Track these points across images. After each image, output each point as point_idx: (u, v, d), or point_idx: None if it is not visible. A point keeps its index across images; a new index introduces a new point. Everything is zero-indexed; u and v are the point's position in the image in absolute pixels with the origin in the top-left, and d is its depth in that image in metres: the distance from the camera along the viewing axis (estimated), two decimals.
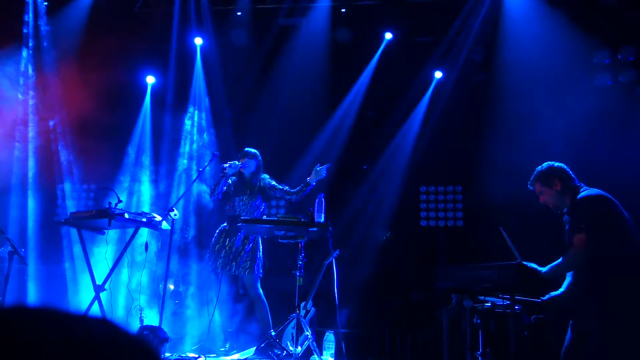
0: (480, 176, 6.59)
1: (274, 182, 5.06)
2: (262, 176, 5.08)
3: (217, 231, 4.99)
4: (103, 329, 0.69)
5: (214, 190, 4.88)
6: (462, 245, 6.41)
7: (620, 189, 3.74)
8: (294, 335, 4.51)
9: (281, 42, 7.10)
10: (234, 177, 5.02)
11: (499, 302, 3.60)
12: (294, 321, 4.51)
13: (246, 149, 5.08)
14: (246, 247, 4.84)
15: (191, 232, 6.30)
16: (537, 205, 3.74)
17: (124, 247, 4.66)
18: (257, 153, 5.08)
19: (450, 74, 7.00)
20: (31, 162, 6.71)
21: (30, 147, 6.75)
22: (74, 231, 5.10)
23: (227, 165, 4.83)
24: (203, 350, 4.63)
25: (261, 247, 4.93)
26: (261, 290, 4.88)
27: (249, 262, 4.80)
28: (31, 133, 6.77)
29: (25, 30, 6.85)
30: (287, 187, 5.04)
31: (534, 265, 3.45)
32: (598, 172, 4.88)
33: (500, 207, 6.12)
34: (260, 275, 4.89)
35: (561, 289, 3.35)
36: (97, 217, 4.48)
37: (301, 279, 4.56)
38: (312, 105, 6.85)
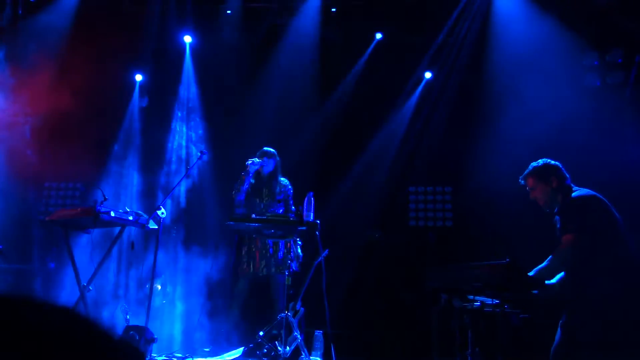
0: (470, 176, 6.60)
1: (290, 196, 5.03)
2: (284, 182, 5.06)
3: (237, 236, 4.94)
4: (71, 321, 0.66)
5: (239, 189, 4.85)
6: (451, 246, 6.41)
7: (609, 189, 3.75)
8: (283, 335, 4.47)
9: (271, 40, 7.07)
10: (250, 175, 4.98)
11: (488, 301, 3.59)
12: (283, 321, 4.47)
13: (265, 148, 5.07)
14: (277, 245, 4.80)
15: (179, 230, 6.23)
16: (526, 206, 3.74)
17: (110, 246, 4.59)
18: (276, 153, 5.08)
19: (439, 74, 7.01)
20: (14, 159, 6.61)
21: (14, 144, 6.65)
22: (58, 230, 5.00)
23: (250, 162, 4.80)
24: (191, 350, 4.57)
25: (298, 243, 4.88)
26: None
27: (286, 261, 4.76)
28: (14, 130, 6.66)
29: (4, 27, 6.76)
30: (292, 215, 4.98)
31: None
32: (588, 173, 4.91)
33: (489, 207, 6.13)
34: (293, 269, 4.85)
35: (554, 280, 3.34)
36: (82, 216, 4.41)
37: (289, 279, 4.52)
38: (301, 104, 6.83)
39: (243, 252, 4.87)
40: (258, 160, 4.87)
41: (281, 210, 4.97)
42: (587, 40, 6.17)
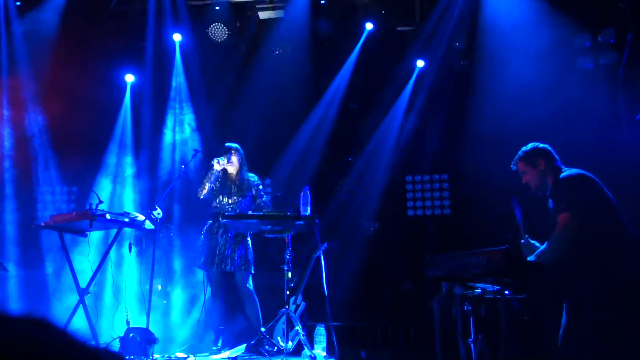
0: (466, 163, 6.59)
1: (260, 189, 5.02)
2: (250, 176, 5.03)
3: (205, 229, 4.92)
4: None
5: (204, 188, 4.83)
6: (450, 234, 6.40)
7: (603, 170, 3.74)
8: (285, 330, 4.47)
9: (261, 35, 7.02)
10: (218, 174, 4.97)
11: (489, 287, 3.59)
12: (284, 316, 4.46)
13: (227, 144, 5.03)
14: (237, 244, 4.79)
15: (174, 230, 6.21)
16: (524, 192, 3.73)
17: (107, 248, 4.57)
18: (239, 147, 5.03)
19: (432, 62, 6.98)
20: (7, 165, 6.57)
21: (6, 149, 6.60)
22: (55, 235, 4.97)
23: (215, 162, 4.78)
24: (192, 350, 4.56)
25: (250, 243, 4.90)
26: (252, 287, 4.85)
27: (241, 259, 4.76)
28: (6, 135, 6.62)
29: None
30: (267, 203, 4.98)
31: (537, 244, 3.48)
32: (582, 155, 4.89)
33: (487, 194, 6.12)
34: (252, 272, 4.86)
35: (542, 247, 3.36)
36: (78, 219, 4.38)
37: (289, 274, 4.51)
38: (294, 98, 6.79)
39: (207, 246, 4.83)
40: (223, 160, 4.84)
41: (246, 204, 4.93)
42: (579, 21, 6.14)
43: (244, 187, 4.94)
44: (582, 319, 3.20)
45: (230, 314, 5.11)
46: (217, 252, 4.76)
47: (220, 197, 4.90)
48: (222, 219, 4.56)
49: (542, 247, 3.41)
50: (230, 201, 4.88)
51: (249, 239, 4.89)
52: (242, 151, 5.03)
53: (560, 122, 5.73)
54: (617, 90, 6.04)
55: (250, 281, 4.86)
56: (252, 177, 5.06)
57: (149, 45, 7.08)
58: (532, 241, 3.58)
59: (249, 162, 5.10)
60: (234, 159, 4.93)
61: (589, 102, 5.87)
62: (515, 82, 6.14)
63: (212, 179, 4.82)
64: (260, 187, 5.07)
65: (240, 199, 4.90)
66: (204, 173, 5.04)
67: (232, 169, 4.95)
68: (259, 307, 4.81)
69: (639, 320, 3.12)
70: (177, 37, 7.12)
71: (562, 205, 3.31)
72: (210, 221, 4.90)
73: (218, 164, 4.78)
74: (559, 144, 4.04)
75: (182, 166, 5.01)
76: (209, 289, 4.78)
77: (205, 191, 4.83)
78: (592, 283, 3.15)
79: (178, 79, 7.14)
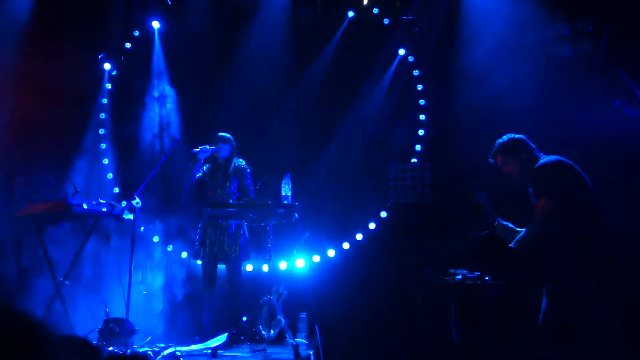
0: (447, 152, 6.61)
1: (248, 175, 5.01)
2: (239, 161, 5.03)
3: (201, 221, 4.90)
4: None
5: (188, 177, 4.80)
6: (432, 222, 6.42)
7: (581, 157, 3.78)
8: (267, 319, 4.45)
9: (241, 22, 6.93)
10: (208, 164, 4.95)
11: (469, 274, 3.62)
12: (266, 305, 4.44)
13: (219, 133, 5.02)
14: (235, 235, 4.76)
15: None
16: (505, 179, 3.75)
17: (85, 239, 4.49)
18: (231, 138, 5.04)
19: (412, 50, 6.97)
20: None
21: None
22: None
23: (198, 150, 4.75)
24: (173, 339, 4.52)
25: (248, 234, 4.93)
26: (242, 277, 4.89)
27: (235, 248, 4.75)
28: None
29: None
30: (251, 191, 4.97)
31: (510, 225, 3.50)
32: (561, 142, 4.94)
33: (468, 182, 6.14)
34: (246, 260, 4.91)
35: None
36: (53, 210, 4.29)
37: (271, 262, 4.49)
38: (274, 85, 6.72)
39: (201, 237, 4.84)
40: (209, 147, 4.82)
41: (236, 193, 4.92)
42: (557, 9, 6.17)
43: (232, 175, 4.97)
44: (561, 303, 3.24)
45: (214, 304, 5.08)
46: (214, 243, 4.76)
47: (214, 188, 4.94)
48: (204, 208, 4.53)
49: (522, 233, 3.43)
50: (219, 190, 4.91)
51: (245, 229, 4.91)
52: (234, 142, 5.05)
53: (539, 110, 5.77)
54: (595, 78, 6.09)
55: (241, 272, 4.90)
56: (241, 162, 5.05)
57: (126, 33, 6.96)
58: (504, 222, 3.58)
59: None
60: (225, 148, 4.96)
61: (567, 90, 5.92)
62: (496, 69, 6.16)
63: (194, 169, 4.77)
64: (248, 171, 5.07)
65: (228, 189, 4.92)
66: (184, 162, 5.01)
67: (221, 159, 4.97)
68: (239, 299, 4.84)
69: (616, 303, 3.17)
70: (155, 25, 7.00)
71: (541, 192, 3.34)
72: (206, 213, 4.88)
73: (202, 152, 4.76)
74: (538, 132, 4.07)
75: (162, 154, 4.96)
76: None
77: (188, 181, 4.81)
78: (572, 267, 3.19)
79: (158, 66, 7.02)
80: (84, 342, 1.07)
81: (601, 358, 3.06)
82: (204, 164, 4.95)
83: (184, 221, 5.79)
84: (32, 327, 0.65)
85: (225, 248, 4.78)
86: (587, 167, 3.51)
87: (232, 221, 4.80)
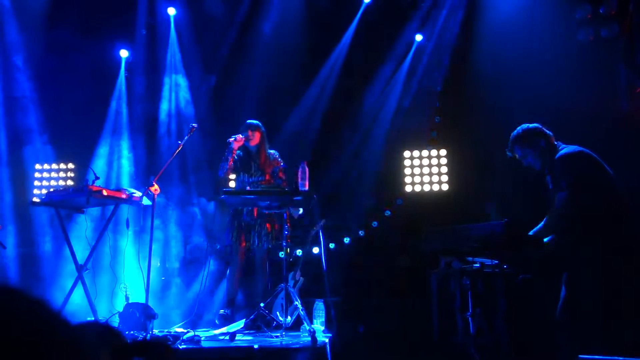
0: (464, 138, 6.56)
1: (282, 165, 4.95)
2: (272, 151, 4.99)
3: (231, 212, 4.90)
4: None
5: (222, 165, 4.81)
6: (448, 210, 6.40)
7: (603, 143, 3.72)
8: (284, 305, 4.48)
9: (257, 9, 6.90)
10: (239, 152, 4.91)
11: (488, 262, 3.59)
12: (283, 292, 4.47)
13: (248, 121, 4.93)
14: (267, 222, 4.78)
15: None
16: (521, 167, 3.71)
17: (105, 224, 4.55)
18: (260, 124, 4.93)
19: (430, 36, 6.89)
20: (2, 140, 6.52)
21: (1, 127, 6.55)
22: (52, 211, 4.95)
23: (232, 139, 4.72)
24: (192, 325, 4.58)
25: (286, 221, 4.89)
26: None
27: (269, 237, 4.76)
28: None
29: None
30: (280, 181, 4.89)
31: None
32: (582, 128, 4.86)
33: (484, 169, 6.10)
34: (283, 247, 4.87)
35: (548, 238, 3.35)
36: (74, 196, 4.35)
37: (288, 249, 4.51)
38: (291, 73, 6.70)
39: (235, 226, 4.86)
40: (241, 137, 4.76)
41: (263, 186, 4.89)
42: None
43: (265, 164, 4.89)
44: (581, 293, 3.21)
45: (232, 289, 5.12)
46: (246, 230, 4.75)
47: (241, 175, 4.89)
48: (220, 195, 4.53)
49: (541, 223, 3.40)
50: (252, 179, 4.85)
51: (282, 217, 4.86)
52: (263, 128, 4.94)
53: (561, 94, 5.68)
54: (617, 63, 5.97)
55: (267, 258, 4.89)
56: (273, 152, 4.99)
57: (143, 20, 6.97)
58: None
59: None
60: (255, 136, 4.86)
61: (589, 75, 5.81)
62: (515, 55, 6.07)
63: (228, 157, 4.76)
64: (280, 162, 4.99)
65: (261, 176, 4.87)
66: (201, 148, 4.99)
67: (252, 147, 4.89)
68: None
69: (638, 291, 3.13)
70: (171, 11, 7.01)
71: (564, 183, 3.29)
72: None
73: (235, 141, 4.72)
74: (559, 118, 4.01)
75: (179, 142, 4.98)
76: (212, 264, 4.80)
77: (225, 170, 4.79)
78: (593, 257, 3.15)
79: (173, 53, 7.04)
80: (108, 328, 1.08)
81: (620, 346, 3.03)
82: (235, 152, 4.87)
83: (205, 209, 5.83)
84: (51, 316, 0.66)
85: (262, 235, 4.79)
86: (608, 153, 3.46)
87: (263, 210, 4.78)
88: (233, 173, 4.96)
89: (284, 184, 4.89)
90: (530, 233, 3.39)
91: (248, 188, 4.79)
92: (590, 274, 3.16)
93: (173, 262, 5.81)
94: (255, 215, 4.80)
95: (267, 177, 4.89)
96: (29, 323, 0.60)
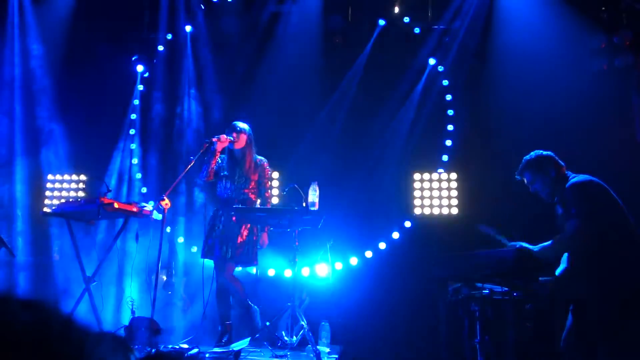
0: (475, 162, 6.55)
1: (267, 173, 4.79)
2: (260, 158, 4.77)
3: (210, 215, 4.72)
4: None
5: (202, 169, 4.65)
6: (458, 233, 6.36)
7: (614, 173, 3.70)
8: (289, 325, 4.46)
9: (273, 29, 6.99)
10: (223, 155, 4.71)
11: (497, 288, 3.56)
12: (289, 311, 4.44)
13: (234, 122, 4.69)
14: (244, 233, 4.59)
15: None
16: (531, 193, 3.70)
17: (114, 237, 4.57)
18: (246, 127, 4.68)
19: (444, 60, 6.93)
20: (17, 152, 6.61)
21: (18, 136, 6.65)
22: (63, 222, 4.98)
23: (216, 138, 4.46)
24: (197, 341, 4.56)
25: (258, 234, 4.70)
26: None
27: (246, 249, 4.58)
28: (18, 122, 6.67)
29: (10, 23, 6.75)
30: (265, 188, 4.76)
31: (526, 245, 3.44)
32: (594, 157, 4.85)
33: (494, 194, 6.08)
34: (255, 264, 4.74)
35: (559, 270, 3.32)
36: (86, 207, 4.39)
37: (295, 268, 4.49)
38: (305, 93, 6.74)
39: (211, 234, 4.63)
40: (225, 136, 4.49)
41: (255, 190, 4.69)
42: (594, 22, 6.07)
43: (250, 171, 4.66)
44: (587, 322, 3.18)
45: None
46: (221, 238, 4.55)
47: (224, 181, 4.65)
48: (231, 212, 4.51)
49: (546, 244, 3.37)
50: (233, 186, 4.61)
51: (254, 229, 4.63)
52: (250, 132, 4.67)
53: (573, 123, 5.67)
54: (631, 92, 5.97)
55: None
56: (261, 159, 4.74)
57: (160, 37, 7.08)
58: (514, 243, 3.51)
59: (260, 155, 4.85)
60: (241, 138, 4.58)
61: (602, 104, 5.81)
62: (528, 82, 6.09)
63: (207, 159, 4.52)
64: (268, 170, 4.78)
65: (244, 183, 4.64)
66: (205, 153, 4.73)
67: (237, 151, 4.65)
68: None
69: None
70: (188, 29, 7.12)
71: (572, 212, 3.28)
72: (217, 207, 4.76)
73: (219, 141, 4.45)
74: (571, 146, 4.00)
75: (191, 157, 4.99)
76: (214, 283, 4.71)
77: (206, 173, 4.58)
78: (600, 287, 3.13)
79: (189, 70, 7.12)
80: (118, 339, 1.08)
81: None
82: (219, 155, 4.60)
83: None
84: (67, 326, 0.67)
85: (239, 248, 4.53)
86: (619, 182, 3.44)
87: (241, 221, 4.52)
88: (217, 178, 4.69)
89: (267, 193, 4.73)
90: (536, 248, 3.37)
91: (227, 195, 4.59)
92: (596, 305, 3.13)
93: (180, 276, 5.81)
94: (233, 223, 4.54)
95: (252, 184, 4.66)
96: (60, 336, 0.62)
